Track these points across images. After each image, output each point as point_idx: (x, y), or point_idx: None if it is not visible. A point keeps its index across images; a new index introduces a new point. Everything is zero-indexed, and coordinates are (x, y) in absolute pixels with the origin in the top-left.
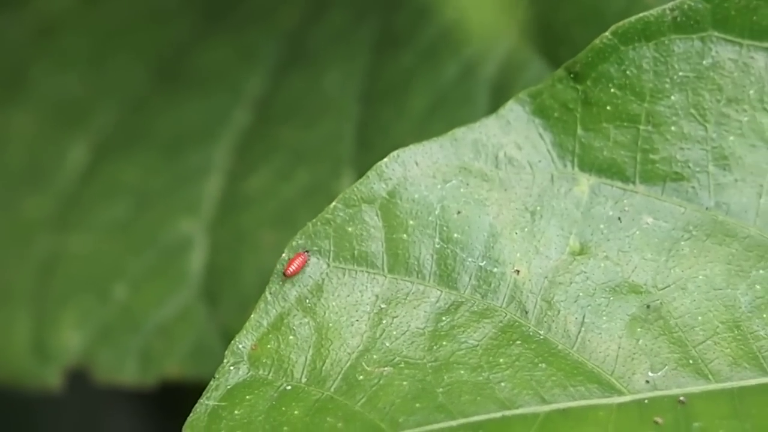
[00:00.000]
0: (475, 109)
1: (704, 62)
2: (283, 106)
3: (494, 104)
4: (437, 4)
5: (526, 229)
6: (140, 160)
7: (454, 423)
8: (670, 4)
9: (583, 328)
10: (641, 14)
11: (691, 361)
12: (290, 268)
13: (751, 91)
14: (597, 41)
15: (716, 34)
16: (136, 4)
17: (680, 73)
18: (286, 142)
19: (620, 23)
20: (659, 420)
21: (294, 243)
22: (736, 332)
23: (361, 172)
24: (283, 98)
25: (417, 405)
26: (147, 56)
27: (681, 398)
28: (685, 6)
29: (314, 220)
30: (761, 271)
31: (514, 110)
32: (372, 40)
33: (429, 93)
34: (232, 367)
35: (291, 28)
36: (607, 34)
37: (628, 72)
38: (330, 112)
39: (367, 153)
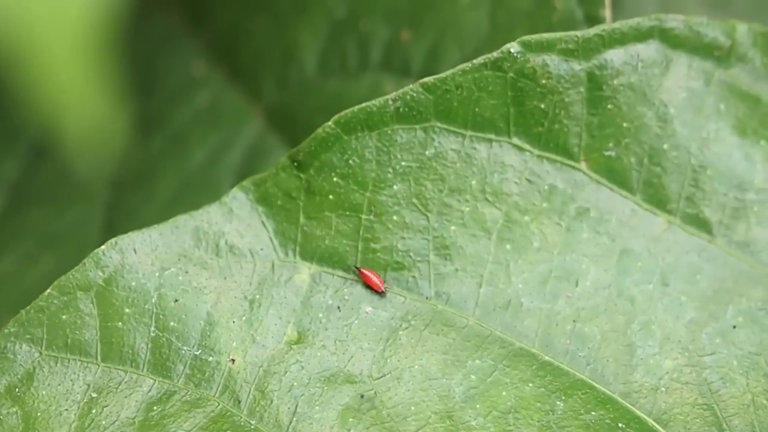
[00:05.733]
0: (220, 194)
1: (427, 152)
2: (35, 190)
3: None
4: (194, 89)
5: (243, 318)
6: None
7: None
8: (392, 94)
9: (294, 418)
10: (364, 104)
11: None
12: (372, 281)
13: (474, 182)
14: (320, 130)
15: (439, 124)
16: None
17: (403, 163)
18: (35, 227)
19: (343, 113)
20: None
21: (6, 331)
22: (448, 423)
23: None
24: (36, 183)
25: None
26: None
27: None
28: (408, 96)
29: (28, 308)
30: (477, 361)
31: (237, 198)
32: (125, 124)
33: (177, 178)
34: None
35: None
36: (330, 123)
37: (350, 161)
38: (80, 197)
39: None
